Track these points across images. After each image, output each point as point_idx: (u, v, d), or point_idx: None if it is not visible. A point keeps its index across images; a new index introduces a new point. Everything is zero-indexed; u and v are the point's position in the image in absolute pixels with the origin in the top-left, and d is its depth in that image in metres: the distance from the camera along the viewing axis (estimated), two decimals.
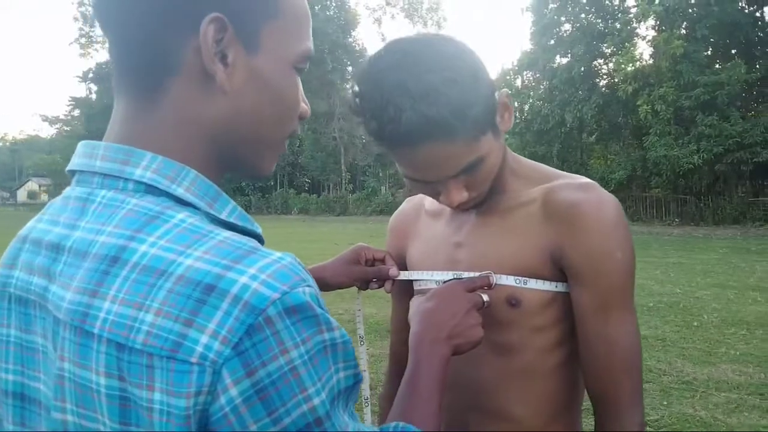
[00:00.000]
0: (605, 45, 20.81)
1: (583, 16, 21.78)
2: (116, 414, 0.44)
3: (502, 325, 0.85)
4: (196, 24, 0.50)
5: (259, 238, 0.54)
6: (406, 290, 0.98)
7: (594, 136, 23.03)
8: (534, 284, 0.83)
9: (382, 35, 36.38)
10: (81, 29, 37.99)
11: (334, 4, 34.28)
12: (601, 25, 21.39)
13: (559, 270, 0.83)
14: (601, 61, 21.90)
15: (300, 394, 0.44)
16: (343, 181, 32.91)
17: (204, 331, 0.42)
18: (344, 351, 0.48)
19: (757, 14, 19.64)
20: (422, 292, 0.90)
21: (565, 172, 0.89)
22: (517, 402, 0.86)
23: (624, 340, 0.80)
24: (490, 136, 0.78)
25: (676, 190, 18.74)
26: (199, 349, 0.42)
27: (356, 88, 0.75)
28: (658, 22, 19.28)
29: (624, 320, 0.80)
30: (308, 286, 0.46)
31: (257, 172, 0.59)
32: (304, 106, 0.61)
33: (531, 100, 23.20)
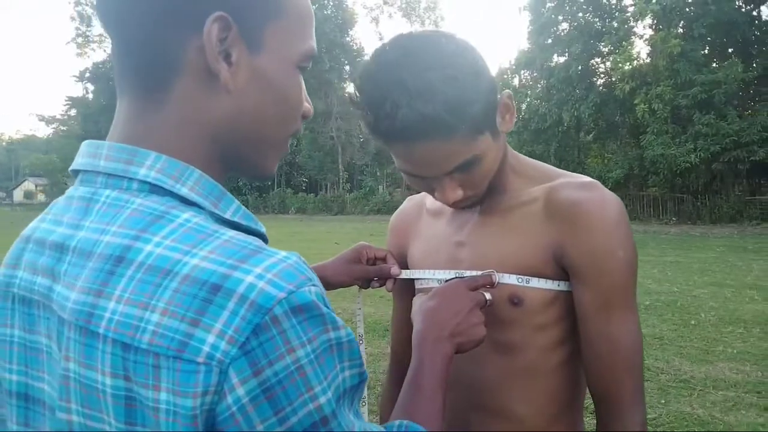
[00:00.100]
0: (602, 44, 20.82)
1: (580, 15, 21.79)
2: (122, 414, 0.44)
3: (505, 324, 0.85)
4: (200, 23, 0.50)
5: (263, 237, 0.54)
6: (407, 289, 0.98)
7: (591, 135, 23.05)
8: (536, 283, 0.83)
9: (380, 34, 36.32)
10: (78, 29, 37.91)
11: (331, 3, 34.22)
12: (598, 23, 21.41)
13: (561, 269, 0.83)
14: (598, 59, 21.91)
15: (306, 393, 0.44)
16: (341, 181, 32.89)
17: (210, 330, 0.42)
18: (350, 350, 0.48)
19: (754, 13, 19.69)
20: (424, 291, 0.91)
21: (567, 171, 0.89)
22: (519, 401, 0.86)
23: (626, 338, 0.80)
24: (488, 135, 0.78)
25: (673, 188, 18.78)
26: (206, 348, 0.42)
27: (358, 81, 0.76)
28: (655, 21, 19.30)
29: (626, 319, 0.80)
30: (314, 285, 0.46)
31: (260, 172, 0.59)
32: (307, 105, 0.60)
33: (528, 99, 23.20)
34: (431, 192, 0.84)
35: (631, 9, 20.09)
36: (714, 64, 18.92)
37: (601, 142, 22.98)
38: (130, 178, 0.50)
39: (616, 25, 20.41)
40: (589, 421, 0.94)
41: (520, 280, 0.83)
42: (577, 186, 0.84)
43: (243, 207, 0.54)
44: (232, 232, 0.48)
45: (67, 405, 0.47)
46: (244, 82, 0.53)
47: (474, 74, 0.73)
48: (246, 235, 0.49)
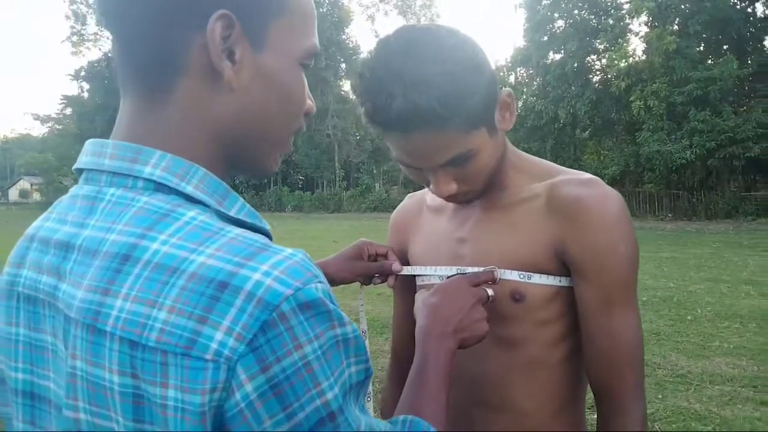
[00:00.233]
0: (598, 41, 20.86)
1: (576, 12, 21.82)
2: (130, 411, 0.44)
3: (507, 320, 0.85)
4: (203, 21, 0.50)
5: (268, 235, 0.54)
6: (408, 286, 0.99)
7: (587, 132, 23.10)
8: (538, 279, 0.84)
9: (376, 32, 36.27)
10: (72, 27, 37.64)
11: (327, 1, 34.14)
12: (594, 21, 21.43)
13: (562, 264, 0.83)
14: (594, 57, 21.94)
15: (314, 389, 0.44)
16: (337, 179, 32.87)
17: (218, 327, 0.42)
18: (356, 345, 0.48)
19: (749, 10, 19.75)
20: (425, 287, 0.91)
21: (567, 168, 0.90)
22: (521, 396, 0.87)
23: (627, 334, 0.81)
24: (484, 131, 0.78)
25: (669, 185, 18.83)
26: (214, 345, 0.42)
27: (359, 70, 0.77)
28: (650, 18, 19.35)
29: (627, 314, 0.81)
30: (320, 282, 0.46)
31: (261, 170, 0.59)
32: (310, 102, 0.61)
33: (524, 97, 23.23)
34: (426, 184, 0.85)
35: (626, 6, 20.13)
36: (709, 61, 18.99)
37: (597, 139, 23.04)
38: (135, 177, 0.50)
39: (611, 22, 20.43)
40: (588, 416, 0.94)
41: (521, 276, 0.84)
42: (579, 182, 0.84)
43: (247, 204, 0.54)
44: (238, 230, 0.48)
45: (74, 403, 0.47)
46: (247, 80, 0.53)
47: (472, 69, 0.74)
48: (251, 232, 0.49)
